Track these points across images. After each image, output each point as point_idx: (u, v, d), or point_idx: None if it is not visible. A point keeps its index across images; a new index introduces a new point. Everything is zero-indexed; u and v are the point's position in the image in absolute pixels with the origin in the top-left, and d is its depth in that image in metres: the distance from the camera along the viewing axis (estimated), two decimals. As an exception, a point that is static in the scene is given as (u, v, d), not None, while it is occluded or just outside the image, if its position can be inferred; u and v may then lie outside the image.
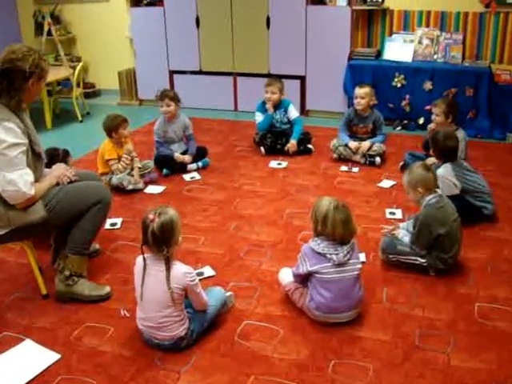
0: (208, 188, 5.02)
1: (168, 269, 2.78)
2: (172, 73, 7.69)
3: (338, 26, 6.71)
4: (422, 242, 3.51)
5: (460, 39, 6.58)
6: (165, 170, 5.29)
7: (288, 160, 5.62)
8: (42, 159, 3.29)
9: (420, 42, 6.72)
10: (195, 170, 5.38)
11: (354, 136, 5.59)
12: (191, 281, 2.83)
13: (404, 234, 3.74)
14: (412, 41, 6.72)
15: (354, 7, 6.70)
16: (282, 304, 3.28)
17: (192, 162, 5.40)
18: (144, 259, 2.85)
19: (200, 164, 5.45)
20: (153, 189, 5.00)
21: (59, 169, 3.41)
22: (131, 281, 3.13)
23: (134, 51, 7.80)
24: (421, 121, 6.54)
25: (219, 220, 4.41)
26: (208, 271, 3.65)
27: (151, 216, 2.78)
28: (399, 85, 6.54)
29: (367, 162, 5.43)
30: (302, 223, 4.29)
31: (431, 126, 5.10)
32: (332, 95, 6.95)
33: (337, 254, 2.98)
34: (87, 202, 3.27)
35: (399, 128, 6.66)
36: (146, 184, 5.04)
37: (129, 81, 7.99)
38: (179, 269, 2.83)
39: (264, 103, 5.78)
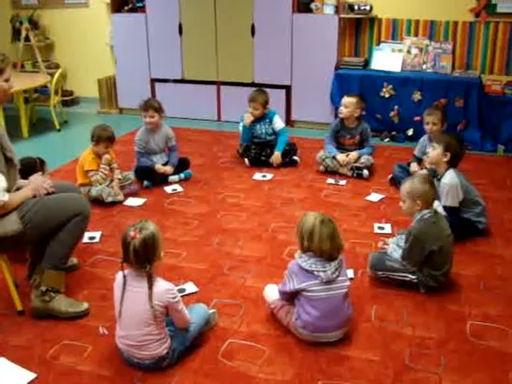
0: (190, 201, 4.84)
1: (150, 286, 2.65)
2: (153, 81, 7.50)
3: (325, 34, 6.57)
4: (413, 258, 3.38)
5: (449, 49, 6.48)
6: (145, 182, 5.10)
7: (273, 172, 5.46)
8: (14, 165, 3.14)
9: (409, 52, 6.61)
10: (177, 182, 5.20)
11: (340, 148, 5.44)
12: (173, 298, 2.71)
13: (393, 248, 3.61)
14: (400, 50, 6.61)
15: (342, 15, 6.57)
16: (268, 322, 3.14)
17: (174, 174, 5.22)
18: (124, 276, 2.72)
19: (182, 176, 5.27)
20: (133, 201, 4.81)
21: (36, 180, 3.26)
22: (110, 297, 2.98)
23: (114, 58, 7.61)
24: (410, 132, 6.41)
25: (202, 234, 4.23)
26: (190, 287, 3.48)
27: (132, 233, 2.65)
28: (387, 95, 6.42)
29: (355, 175, 5.28)
30: (287, 238, 4.13)
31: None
32: (318, 105, 6.80)
33: (325, 271, 2.84)
34: (65, 215, 3.13)
35: (387, 139, 6.52)
36: (126, 196, 4.85)
37: (109, 89, 7.78)
38: (160, 285, 2.70)
39: (250, 113, 5.63)
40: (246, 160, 5.61)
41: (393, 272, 3.45)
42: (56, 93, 7.18)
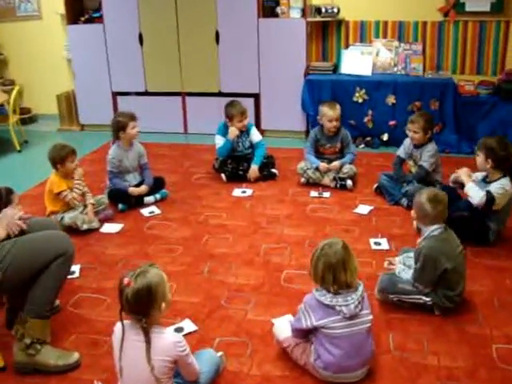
0: (170, 224, 4.54)
1: (148, 341, 2.34)
2: (115, 94, 7.11)
3: (293, 39, 6.33)
4: (426, 278, 3.18)
5: (420, 50, 6.37)
6: (120, 206, 4.76)
7: (252, 187, 5.20)
8: None
9: (378, 54, 6.45)
10: (153, 204, 4.88)
11: (320, 157, 5.22)
12: (182, 351, 2.42)
13: (401, 269, 3.40)
14: (370, 53, 6.44)
15: (309, 19, 6.34)
16: (280, 361, 2.88)
17: (149, 194, 4.89)
18: (123, 327, 2.40)
19: (158, 196, 4.94)
20: (110, 227, 4.47)
21: (6, 216, 2.87)
22: (101, 342, 2.74)
23: (72, 72, 7.16)
24: (385, 137, 6.27)
25: (189, 261, 3.93)
26: (188, 326, 3.19)
27: (126, 279, 2.33)
28: (360, 100, 6.23)
29: (338, 186, 5.08)
30: (281, 260, 3.91)
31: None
32: (289, 113, 6.56)
33: (347, 306, 2.60)
34: (47, 257, 2.78)
35: (362, 146, 6.33)
36: (102, 222, 4.50)
37: (68, 104, 7.33)
38: (167, 338, 2.40)
39: (226, 126, 5.31)
40: (223, 175, 5.34)
41: (405, 295, 3.25)
42: (14, 111, 6.71)
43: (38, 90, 7.85)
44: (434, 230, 3.21)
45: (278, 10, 6.41)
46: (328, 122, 5.09)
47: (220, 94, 6.60)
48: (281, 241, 4.19)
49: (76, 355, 2.91)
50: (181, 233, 4.38)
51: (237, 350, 2.98)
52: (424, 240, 3.24)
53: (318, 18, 6.44)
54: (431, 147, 4.70)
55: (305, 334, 2.77)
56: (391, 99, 6.17)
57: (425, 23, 6.38)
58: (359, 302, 2.64)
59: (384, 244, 4.10)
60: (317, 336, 2.69)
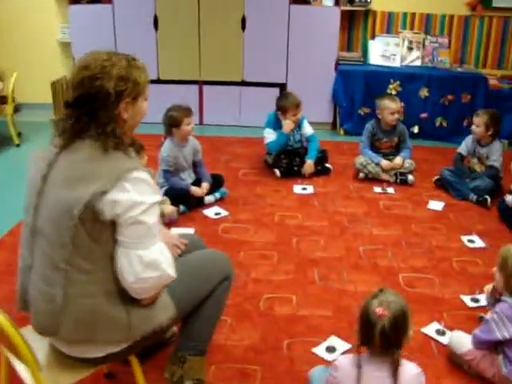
0: (245, 226, 4.16)
1: (395, 375, 2.02)
2: (121, 82, 6.54)
3: (324, 28, 6.08)
4: None
5: (446, 43, 6.33)
6: (182, 207, 4.30)
7: (310, 183, 4.93)
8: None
9: (404, 46, 6.35)
10: (213, 203, 4.49)
11: (376, 152, 5.06)
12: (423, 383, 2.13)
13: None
14: (397, 44, 6.31)
15: (342, 8, 6.09)
16: (456, 374, 2.68)
17: (208, 194, 4.49)
18: (359, 363, 2.06)
19: (217, 195, 4.56)
20: (181, 232, 3.98)
21: (165, 236, 2.33)
22: (251, 372, 2.45)
23: (72, 57, 6.48)
24: (415, 129, 6.17)
25: (294, 269, 3.58)
26: (339, 344, 2.86)
27: (379, 310, 2.00)
28: (394, 92, 6.05)
29: (398, 181, 4.93)
30: (389, 263, 3.70)
31: None
32: (316, 104, 6.26)
33: None
34: (213, 283, 2.32)
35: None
36: (168, 226, 3.98)
37: (62, 92, 6.68)
38: (411, 370, 2.10)
39: (276, 118, 5.00)
40: (277, 171, 5.02)
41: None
42: (7, 101, 5.95)
43: (24, 77, 6.64)
44: None
45: (310, -4, 6.13)
46: (390, 115, 4.93)
47: (243, 83, 6.26)
48: (375, 241, 3.98)
49: None
50: (263, 236, 4.02)
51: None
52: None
53: (349, 7, 6.21)
54: (498, 146, 4.74)
55: (491, 345, 2.61)
56: (424, 92, 6.08)
57: (451, 17, 6.36)
58: None
59: (478, 242, 4.00)
60: (510, 347, 2.52)
